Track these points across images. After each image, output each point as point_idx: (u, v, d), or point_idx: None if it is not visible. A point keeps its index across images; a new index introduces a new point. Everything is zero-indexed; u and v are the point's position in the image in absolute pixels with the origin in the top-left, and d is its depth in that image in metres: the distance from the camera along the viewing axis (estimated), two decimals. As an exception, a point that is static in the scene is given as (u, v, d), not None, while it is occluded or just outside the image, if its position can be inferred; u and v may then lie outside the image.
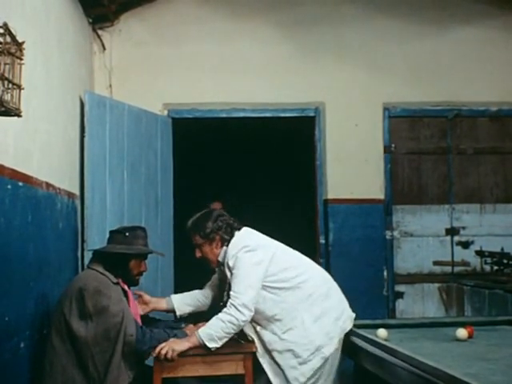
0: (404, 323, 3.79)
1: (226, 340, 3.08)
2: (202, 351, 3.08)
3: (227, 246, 3.27)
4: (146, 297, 3.50)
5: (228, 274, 3.24)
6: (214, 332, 3.05)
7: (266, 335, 3.24)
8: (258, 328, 3.26)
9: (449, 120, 5.64)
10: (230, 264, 3.20)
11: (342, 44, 5.55)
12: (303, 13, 5.55)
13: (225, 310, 3.11)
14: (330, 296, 3.33)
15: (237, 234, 3.31)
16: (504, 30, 5.70)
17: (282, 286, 3.23)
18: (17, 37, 2.27)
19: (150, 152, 5.07)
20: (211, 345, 3.05)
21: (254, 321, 3.24)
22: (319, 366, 3.23)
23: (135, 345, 3.04)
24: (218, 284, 3.51)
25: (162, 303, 3.53)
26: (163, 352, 3.00)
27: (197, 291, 3.60)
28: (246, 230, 3.37)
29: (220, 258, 3.30)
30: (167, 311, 3.56)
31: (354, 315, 3.40)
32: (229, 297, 3.15)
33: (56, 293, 3.41)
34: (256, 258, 3.19)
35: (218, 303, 3.42)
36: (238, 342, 3.26)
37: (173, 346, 3.01)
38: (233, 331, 3.09)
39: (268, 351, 3.24)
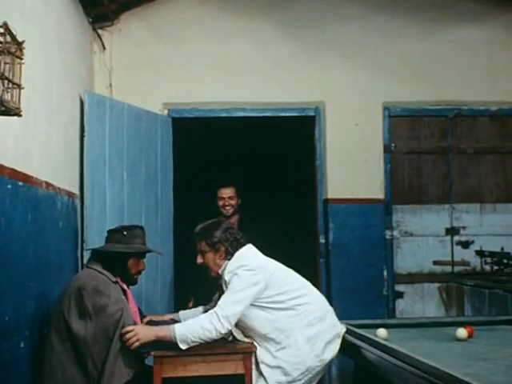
0: (404, 323, 3.80)
1: (196, 345, 3.04)
2: (202, 351, 3.07)
3: (229, 259, 3.26)
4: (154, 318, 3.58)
5: (224, 288, 3.23)
6: (189, 335, 3.02)
7: (259, 350, 3.21)
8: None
9: (449, 119, 5.63)
10: (226, 279, 3.20)
11: (342, 43, 5.55)
12: (303, 12, 5.54)
13: (207, 314, 3.09)
14: (325, 319, 3.29)
15: (239, 250, 3.29)
16: (505, 30, 5.69)
17: (278, 307, 3.20)
18: (17, 36, 2.26)
19: (150, 152, 5.06)
20: (182, 345, 3.02)
21: (249, 337, 3.24)
22: None
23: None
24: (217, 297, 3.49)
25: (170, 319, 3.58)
26: (127, 337, 2.97)
27: (200, 308, 3.63)
28: (248, 248, 3.34)
29: (220, 271, 3.29)
30: None
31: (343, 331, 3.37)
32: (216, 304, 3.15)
33: (56, 292, 3.41)
34: (254, 278, 3.15)
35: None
36: (238, 342, 3.25)
37: (139, 336, 2.98)
38: (207, 340, 3.05)
39: (256, 363, 3.20)
